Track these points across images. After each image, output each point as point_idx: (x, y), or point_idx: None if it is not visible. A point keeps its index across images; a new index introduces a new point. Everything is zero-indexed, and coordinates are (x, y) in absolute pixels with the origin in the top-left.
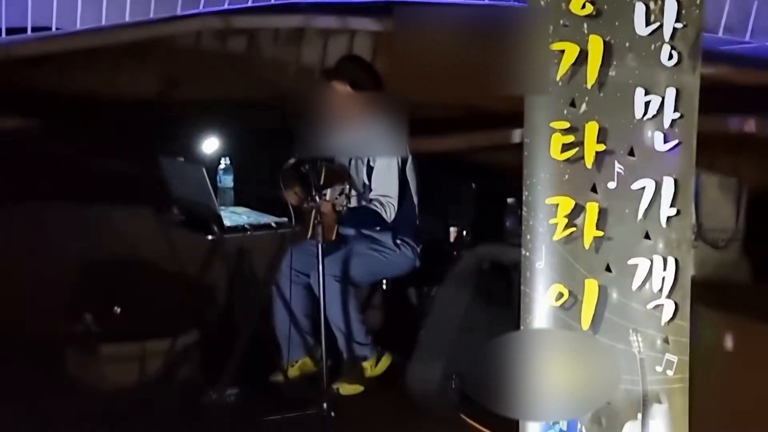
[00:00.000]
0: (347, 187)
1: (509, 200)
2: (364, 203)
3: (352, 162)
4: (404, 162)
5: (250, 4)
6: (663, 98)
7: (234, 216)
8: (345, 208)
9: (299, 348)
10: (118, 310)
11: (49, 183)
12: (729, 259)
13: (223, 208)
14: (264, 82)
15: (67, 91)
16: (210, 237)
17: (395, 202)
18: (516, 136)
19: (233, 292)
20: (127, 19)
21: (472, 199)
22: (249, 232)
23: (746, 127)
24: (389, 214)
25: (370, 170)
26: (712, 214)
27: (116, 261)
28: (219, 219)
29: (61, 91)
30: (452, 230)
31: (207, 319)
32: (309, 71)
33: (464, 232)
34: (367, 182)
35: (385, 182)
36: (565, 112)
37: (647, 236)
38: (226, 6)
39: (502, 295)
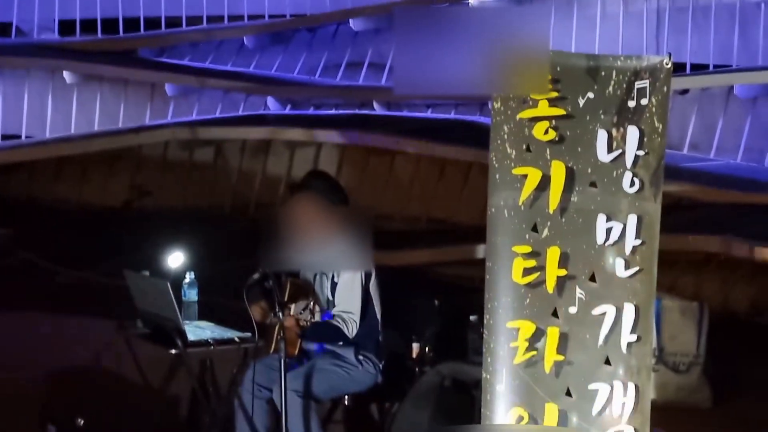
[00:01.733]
0: (311, 302)
1: (472, 317)
2: (327, 319)
3: (317, 277)
4: (368, 277)
5: (217, 115)
6: (624, 225)
7: (198, 330)
8: (308, 323)
9: None
10: (81, 422)
11: (14, 291)
12: (690, 382)
13: (187, 322)
14: (230, 193)
15: (35, 199)
16: (173, 351)
17: (357, 319)
18: (481, 251)
19: (196, 404)
20: (96, 126)
21: (435, 315)
22: (212, 347)
23: (710, 247)
24: (351, 330)
25: (333, 285)
26: (673, 338)
27: (81, 372)
28: (183, 333)
29: (30, 199)
30: (415, 346)
31: None
32: (275, 183)
33: (426, 349)
34: (330, 297)
35: (348, 298)
36: (527, 236)
37: (608, 362)
38: (194, 116)
39: (464, 413)
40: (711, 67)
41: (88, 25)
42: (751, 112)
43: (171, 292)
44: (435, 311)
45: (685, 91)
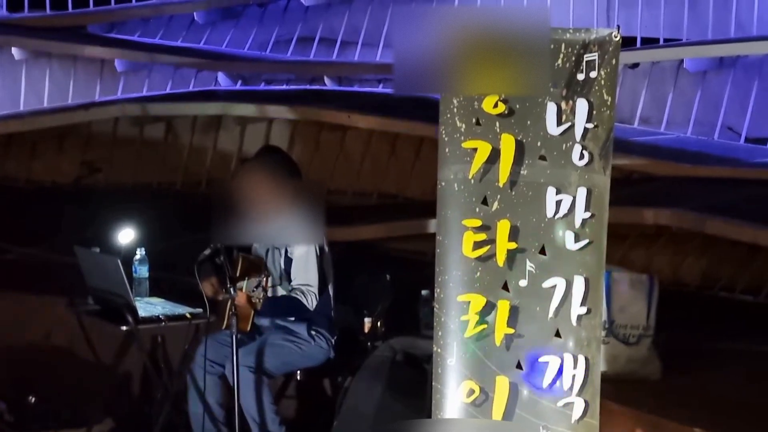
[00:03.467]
0: (264, 279)
1: (423, 292)
2: (282, 293)
3: (269, 251)
4: (321, 252)
5: (168, 90)
6: (574, 198)
7: (149, 306)
8: (261, 300)
9: None
10: (33, 399)
11: None
12: (640, 355)
13: (138, 298)
14: (181, 169)
15: None
16: (124, 327)
17: (316, 291)
18: (432, 226)
19: (148, 381)
20: (45, 103)
21: (387, 290)
22: (164, 323)
23: (661, 219)
24: (311, 302)
25: (288, 260)
26: (623, 311)
27: (31, 349)
28: (134, 310)
29: None
30: (366, 321)
31: (121, 408)
32: (227, 158)
33: (378, 323)
34: (284, 272)
35: (305, 271)
36: (477, 210)
37: (558, 334)
38: (144, 93)
39: (416, 387)
40: (661, 41)
41: (37, 1)
42: (701, 85)
43: (121, 268)
44: (386, 286)
45: (635, 65)
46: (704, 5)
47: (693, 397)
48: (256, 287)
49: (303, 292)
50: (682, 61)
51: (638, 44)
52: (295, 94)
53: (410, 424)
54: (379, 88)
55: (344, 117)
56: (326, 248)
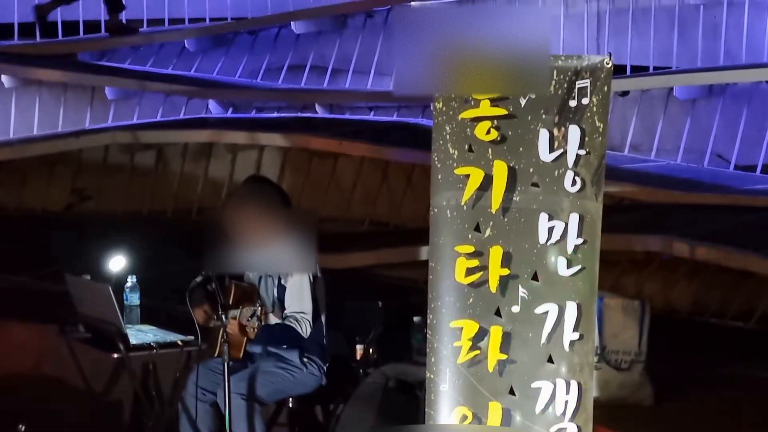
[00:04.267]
0: (259, 308)
1: (415, 318)
2: (275, 321)
3: (262, 279)
4: (314, 279)
5: (159, 118)
6: (566, 224)
7: (140, 334)
8: (255, 330)
9: None
10: (23, 428)
11: None
12: (632, 380)
13: (129, 326)
14: (172, 197)
15: None
16: (115, 355)
17: (310, 318)
18: (424, 253)
19: (139, 408)
20: (35, 131)
21: (379, 317)
22: (155, 350)
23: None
24: (305, 330)
25: (281, 288)
26: (615, 337)
27: (21, 377)
28: (125, 337)
29: None
30: (358, 348)
31: None
32: (218, 186)
33: (370, 350)
34: (277, 300)
35: (299, 299)
36: (470, 236)
37: (550, 360)
38: (135, 120)
39: (408, 413)
40: (651, 69)
41: (27, 29)
42: (691, 113)
43: (112, 295)
44: (378, 313)
45: (625, 93)
46: (694, 33)
47: (685, 423)
48: (251, 317)
49: (297, 320)
50: (671, 89)
51: (628, 72)
52: (286, 122)
53: None
54: (371, 116)
55: (335, 144)
56: (319, 275)
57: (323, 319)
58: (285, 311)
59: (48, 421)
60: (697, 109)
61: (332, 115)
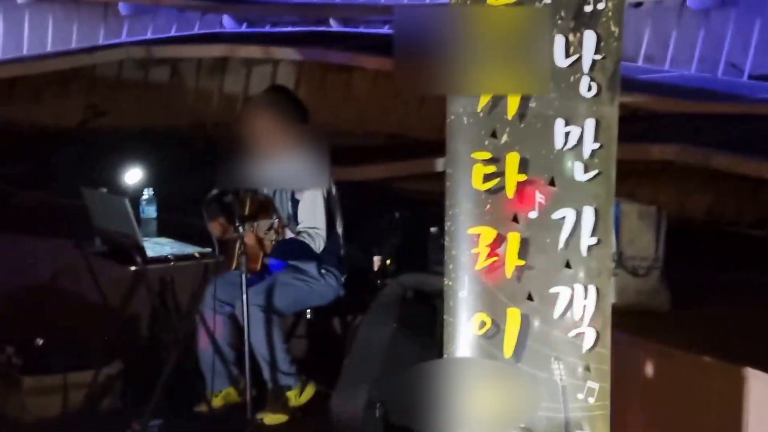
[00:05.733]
0: (276, 221)
1: (432, 229)
2: (290, 235)
3: (276, 193)
4: (328, 191)
5: (173, 33)
6: (582, 129)
7: (157, 247)
8: (273, 242)
9: (223, 378)
10: (40, 341)
11: None
12: (649, 286)
13: (146, 239)
14: (187, 112)
15: None
16: (133, 268)
17: (324, 234)
18: (440, 164)
19: (156, 322)
20: (48, 48)
21: (396, 228)
22: (172, 263)
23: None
24: (318, 245)
25: (295, 202)
26: (632, 242)
27: (39, 292)
28: (142, 250)
29: None
30: (376, 259)
31: (130, 350)
32: (232, 101)
33: (388, 261)
34: (291, 214)
35: (312, 214)
36: (487, 142)
37: (568, 265)
38: (148, 35)
39: (426, 323)
40: None
41: None
42: (704, 23)
43: (129, 208)
44: (395, 224)
45: (639, 4)
46: None
47: (701, 328)
48: (269, 230)
49: (311, 235)
50: None
51: None
52: (300, 36)
53: (421, 366)
54: (384, 29)
55: (350, 58)
56: (333, 190)
57: (340, 231)
58: (298, 226)
59: (65, 335)
60: (711, 19)
61: (347, 29)
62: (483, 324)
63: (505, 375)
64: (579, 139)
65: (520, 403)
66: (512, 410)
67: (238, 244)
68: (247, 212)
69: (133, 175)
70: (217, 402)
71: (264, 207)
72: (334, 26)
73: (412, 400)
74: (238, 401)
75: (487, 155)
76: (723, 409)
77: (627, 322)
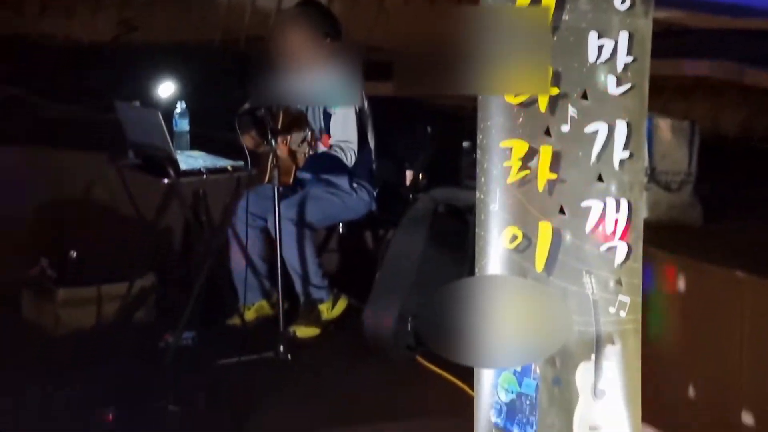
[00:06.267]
0: (309, 134)
1: (464, 143)
2: (322, 149)
3: (308, 108)
4: (360, 107)
5: None
6: (616, 42)
7: (190, 160)
8: (306, 155)
9: (256, 291)
10: (74, 254)
11: (3, 126)
12: (681, 201)
13: (179, 152)
14: (220, 27)
15: (20, 36)
16: (166, 180)
17: (355, 147)
18: None
19: (189, 235)
20: None
21: (428, 142)
22: (205, 176)
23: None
24: (350, 159)
25: (327, 116)
26: (664, 157)
27: (72, 205)
28: (175, 162)
29: (14, 36)
30: (408, 173)
31: (163, 263)
32: (265, 16)
33: (420, 176)
34: (324, 128)
35: (344, 128)
36: None
37: (600, 179)
38: None
39: (457, 237)
40: None
41: None
42: None
43: (162, 120)
44: (427, 139)
45: None
46: None
47: (733, 243)
48: (302, 142)
49: (343, 149)
50: None
51: None
52: None
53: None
54: None
55: None
56: (366, 105)
57: (372, 145)
58: (330, 140)
59: (99, 248)
60: None
61: None
62: (514, 237)
63: (537, 291)
64: (612, 53)
65: (554, 321)
66: (548, 329)
67: (270, 157)
68: (279, 125)
69: (165, 89)
70: (249, 315)
71: (297, 120)
72: None
73: (443, 316)
74: (271, 314)
75: None
76: (755, 322)
77: (658, 237)
